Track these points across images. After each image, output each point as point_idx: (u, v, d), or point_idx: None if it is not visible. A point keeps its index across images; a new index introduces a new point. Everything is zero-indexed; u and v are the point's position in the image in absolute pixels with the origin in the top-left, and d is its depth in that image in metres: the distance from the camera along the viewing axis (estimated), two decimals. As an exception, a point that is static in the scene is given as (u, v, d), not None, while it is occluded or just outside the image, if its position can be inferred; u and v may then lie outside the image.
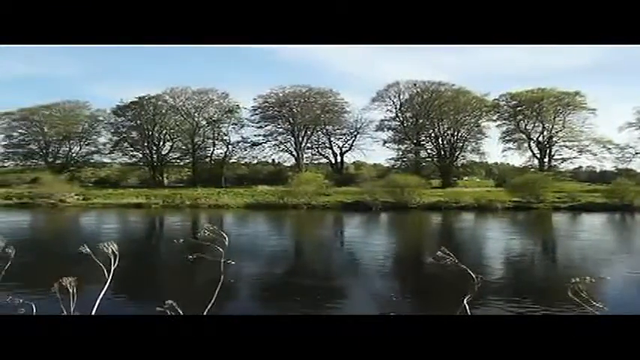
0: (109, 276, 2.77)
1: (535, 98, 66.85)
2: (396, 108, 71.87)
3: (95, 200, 50.19)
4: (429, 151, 72.25)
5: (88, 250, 2.92)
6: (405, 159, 71.18)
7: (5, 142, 72.94)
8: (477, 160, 73.40)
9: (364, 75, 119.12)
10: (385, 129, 72.45)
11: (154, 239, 29.09)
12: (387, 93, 71.48)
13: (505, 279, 16.07)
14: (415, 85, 70.13)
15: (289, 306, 12.21)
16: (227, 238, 3.13)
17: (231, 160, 72.54)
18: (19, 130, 72.54)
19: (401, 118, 72.02)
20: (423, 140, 72.08)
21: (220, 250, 3.10)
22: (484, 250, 23.12)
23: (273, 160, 76.17)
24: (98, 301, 2.73)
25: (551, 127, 67.62)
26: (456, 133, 70.02)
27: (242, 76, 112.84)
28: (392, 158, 72.65)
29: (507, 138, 69.97)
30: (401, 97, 71.48)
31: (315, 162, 75.05)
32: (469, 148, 71.07)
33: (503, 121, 70.00)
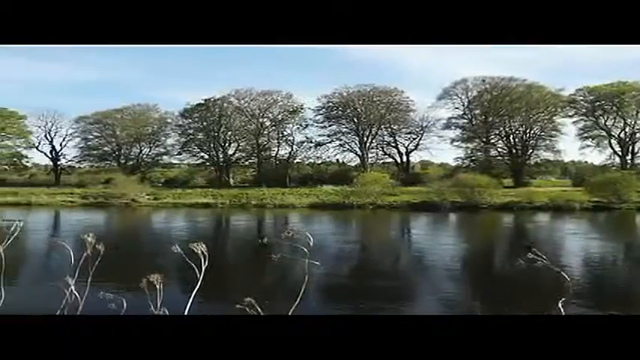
0: (200, 275, 2.85)
1: (615, 92, 66.55)
2: (463, 105, 73.50)
3: (165, 200, 54.55)
4: (499, 149, 73.19)
5: (179, 249, 3.00)
6: (473, 158, 72.53)
7: (81, 145, 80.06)
8: (552, 158, 73.86)
9: (430, 73, 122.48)
10: (453, 127, 74.15)
11: (230, 238, 31.10)
12: (454, 90, 73.18)
13: (587, 283, 15.97)
14: (484, 81, 71.38)
15: (355, 306, 12.62)
16: (311, 239, 3.22)
17: (295, 160, 76.38)
18: (94, 133, 79.29)
19: (469, 116, 73.53)
20: (493, 138, 73.08)
21: (305, 250, 3.18)
22: (562, 253, 22.69)
23: (338, 159, 79.68)
24: (190, 300, 2.88)
25: (633, 122, 67.55)
26: (528, 131, 70.65)
27: (306, 76, 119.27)
28: (460, 157, 74.26)
29: (585, 135, 70.24)
30: (469, 94, 73.08)
31: (381, 161, 77.60)
32: (543, 145, 71.59)
33: (581, 117, 70.14)
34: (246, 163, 79.04)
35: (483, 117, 73.25)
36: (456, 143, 74.07)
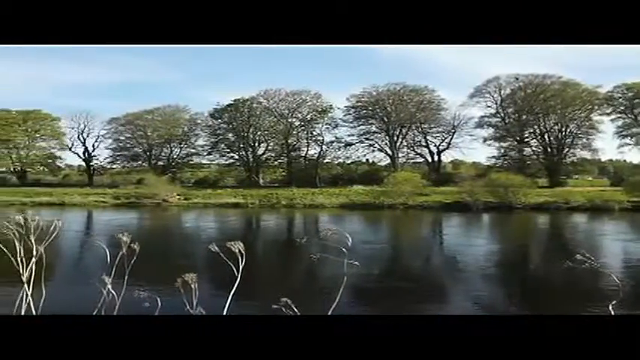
0: (237, 274, 2.88)
1: (655, 89, 64.32)
2: (496, 104, 72.66)
3: (195, 200, 55.27)
4: (533, 148, 72.13)
5: (216, 248, 3.01)
6: (507, 157, 71.64)
7: (113, 146, 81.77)
8: (589, 157, 72.28)
9: (461, 71, 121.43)
10: (485, 126, 73.44)
11: (262, 238, 31.26)
12: (486, 88, 72.47)
13: (628, 286, 15.28)
14: (517, 78, 70.35)
15: (386, 307, 12.64)
16: (350, 240, 3.22)
17: (325, 160, 76.38)
18: (125, 134, 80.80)
19: (502, 114, 72.57)
20: (527, 137, 72.00)
21: (344, 250, 3.18)
22: (601, 254, 22.01)
23: (368, 159, 79.61)
24: (229, 299, 2.92)
25: (674, 120, 65.05)
26: (564, 129, 69.43)
27: (335, 76, 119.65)
28: (493, 156, 73.49)
29: (624, 133, 68.54)
30: (502, 92, 72.16)
31: (411, 161, 77.35)
32: (579, 144, 70.27)
33: (619, 115, 68.56)
34: (276, 163, 79.49)
35: (517, 115, 72.22)
36: (488, 142, 73.60)
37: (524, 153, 71.86)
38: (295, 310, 2.68)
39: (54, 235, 3.03)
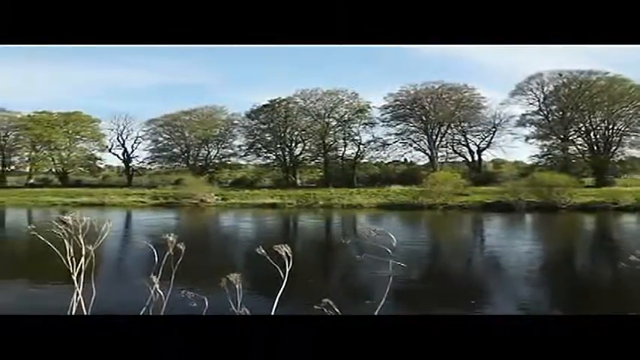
0: (284, 278, 2.89)
1: None
2: (539, 101, 70.94)
3: (233, 200, 56.09)
4: (579, 146, 70.27)
5: (263, 251, 3.02)
6: (550, 156, 70.00)
7: (152, 147, 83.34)
8: (638, 155, 69.49)
9: (501, 68, 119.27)
10: (527, 124, 71.72)
11: (302, 238, 31.63)
12: (528, 85, 70.79)
13: None
14: (561, 75, 68.67)
15: (426, 309, 12.63)
16: (394, 240, 3.22)
17: (362, 160, 76.15)
18: (164, 135, 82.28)
19: (545, 112, 70.89)
20: (572, 135, 70.17)
21: (389, 251, 3.19)
22: None
23: (406, 159, 78.78)
24: (277, 300, 2.93)
25: None
26: (611, 127, 67.31)
27: (372, 75, 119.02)
28: (536, 155, 71.70)
29: None
30: (544, 89, 70.45)
31: (451, 160, 76.26)
32: (627, 142, 68.00)
33: None
34: (313, 163, 79.68)
35: (561, 113, 70.39)
36: (531, 141, 71.78)
37: (569, 151, 70.11)
38: (337, 310, 2.69)
39: (105, 235, 3.09)
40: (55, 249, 3.00)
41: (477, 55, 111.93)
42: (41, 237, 3.15)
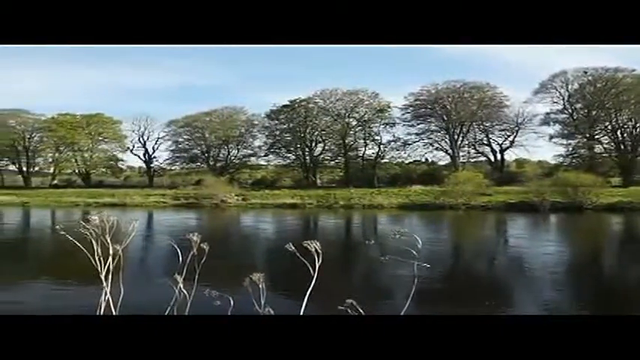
0: (314, 274, 2.91)
1: None
2: (563, 99, 70.05)
3: (253, 201, 56.57)
4: (605, 145, 69.19)
5: (292, 247, 3.06)
6: (576, 155, 69.04)
7: (172, 148, 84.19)
8: None
9: (524, 66, 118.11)
10: (551, 123, 70.83)
11: (324, 239, 30.15)
12: (552, 84, 69.97)
13: None
14: (586, 72, 67.63)
15: (450, 310, 12.26)
16: (420, 242, 3.24)
17: (383, 160, 75.94)
18: (184, 136, 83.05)
19: (570, 110, 69.86)
20: (598, 134, 69.06)
21: (414, 252, 3.19)
22: None
23: (427, 159, 78.45)
24: (306, 299, 2.96)
25: None
26: (638, 125, 66.17)
27: (392, 75, 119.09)
28: (560, 154, 70.90)
29: None
30: (569, 87, 69.44)
31: (473, 160, 75.84)
32: (656, 141, 65.95)
33: None
34: (333, 163, 79.74)
35: (586, 111, 69.31)
36: (555, 140, 70.79)
37: (595, 150, 68.95)
38: (360, 311, 2.70)
39: (132, 235, 3.14)
40: (84, 248, 3.05)
41: (500, 53, 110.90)
42: (70, 237, 3.21)
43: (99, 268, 2.99)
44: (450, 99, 72.79)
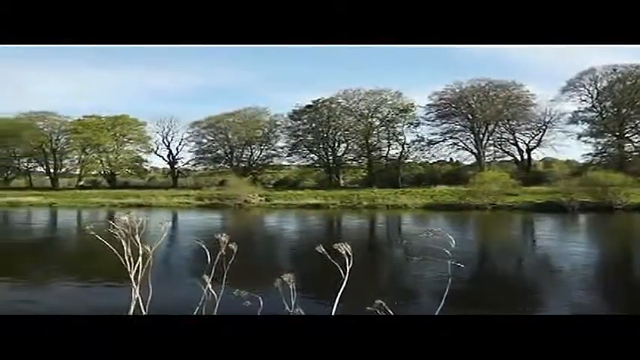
0: (345, 276, 2.91)
1: None
2: (592, 97, 68.90)
3: (277, 201, 56.64)
4: (635, 144, 67.97)
5: (323, 249, 3.05)
6: (605, 154, 67.83)
7: (196, 149, 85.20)
8: None
9: (551, 64, 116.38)
10: (580, 121, 69.71)
11: (352, 239, 32.13)
12: (580, 81, 68.91)
13: None
14: (615, 70, 66.48)
15: (479, 311, 12.00)
16: (453, 242, 3.24)
17: (407, 160, 75.43)
18: (208, 137, 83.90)
19: (599, 109, 68.75)
20: (628, 132, 67.96)
21: (447, 252, 3.19)
22: None
23: (451, 158, 77.96)
24: (337, 300, 2.97)
25: None
26: (670, 123, 64.26)
27: (415, 74, 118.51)
28: (589, 154, 69.65)
29: None
30: (598, 85, 68.38)
31: (499, 160, 75.08)
32: (689, 139, 64.34)
33: None
34: (356, 163, 79.58)
35: (615, 109, 68.16)
36: (583, 138, 69.64)
37: (625, 149, 67.72)
38: (390, 312, 2.69)
39: (164, 235, 3.15)
40: (114, 249, 3.08)
41: (525, 51, 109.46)
42: (99, 237, 3.23)
43: (128, 268, 2.99)
44: (474, 98, 72.23)
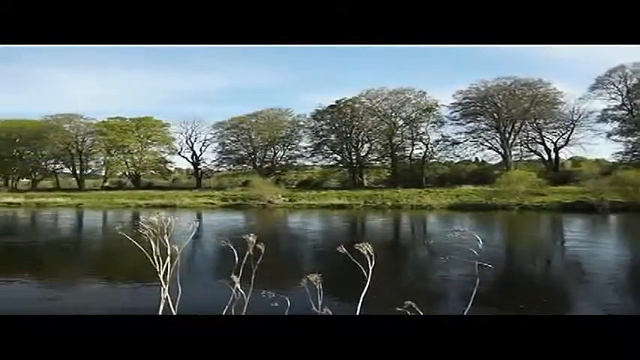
0: (368, 276, 2.93)
1: None
2: (622, 95, 67.63)
3: (300, 202, 57.04)
4: (667, 142, 65.85)
5: (344, 250, 3.07)
6: (636, 153, 66.55)
7: (219, 150, 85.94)
8: None
9: (577, 62, 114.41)
10: (609, 120, 68.53)
11: (377, 240, 29.92)
12: (609, 79, 67.80)
13: None
14: (646, 66, 64.62)
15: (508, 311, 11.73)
16: (480, 242, 3.22)
17: (431, 160, 74.97)
18: (231, 138, 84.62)
19: (629, 106, 67.42)
20: (660, 130, 65.94)
21: (474, 252, 3.19)
22: None
23: (477, 158, 77.23)
24: (361, 300, 2.98)
25: None
26: (703, 120, 62.60)
27: (439, 73, 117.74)
28: (619, 152, 68.48)
29: None
30: (628, 82, 67.03)
31: (525, 159, 74.09)
32: None
33: None
34: (379, 163, 79.31)
35: (647, 107, 66.53)
36: (613, 137, 68.40)
37: (657, 148, 65.92)
38: (419, 312, 2.70)
39: (192, 235, 3.19)
40: (143, 249, 3.12)
41: (551, 49, 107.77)
42: (129, 237, 3.28)
43: (157, 268, 3.04)
44: (500, 96, 71.39)
